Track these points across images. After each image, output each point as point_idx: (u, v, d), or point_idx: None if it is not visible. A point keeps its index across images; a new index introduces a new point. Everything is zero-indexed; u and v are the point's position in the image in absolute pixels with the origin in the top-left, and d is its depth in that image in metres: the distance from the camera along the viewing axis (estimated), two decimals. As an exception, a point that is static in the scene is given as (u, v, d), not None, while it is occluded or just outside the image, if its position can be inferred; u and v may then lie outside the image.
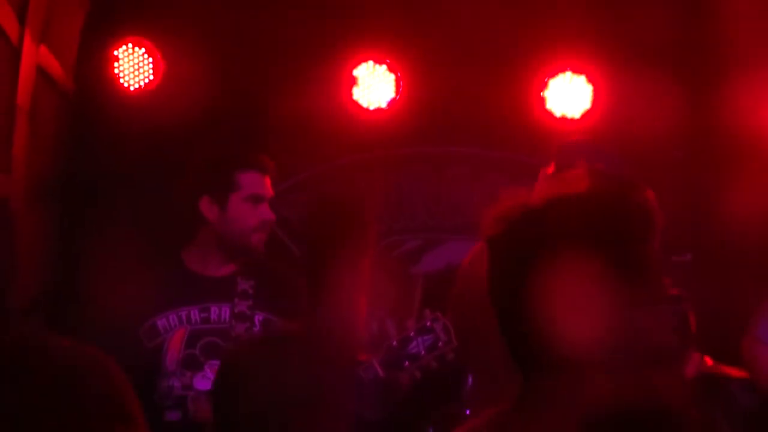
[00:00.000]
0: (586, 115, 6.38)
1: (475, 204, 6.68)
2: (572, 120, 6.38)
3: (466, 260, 4.86)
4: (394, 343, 4.27)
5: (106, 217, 6.17)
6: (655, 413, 2.07)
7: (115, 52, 6.17)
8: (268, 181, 4.55)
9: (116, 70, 6.18)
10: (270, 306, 4.53)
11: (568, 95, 6.38)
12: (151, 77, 6.21)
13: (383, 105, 6.38)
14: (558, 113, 6.38)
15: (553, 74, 6.38)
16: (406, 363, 4.29)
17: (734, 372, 4.97)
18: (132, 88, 6.20)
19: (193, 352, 4.36)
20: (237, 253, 4.51)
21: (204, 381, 4.30)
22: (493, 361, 4.49)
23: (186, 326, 4.47)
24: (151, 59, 6.21)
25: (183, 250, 4.59)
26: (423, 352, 4.26)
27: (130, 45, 6.18)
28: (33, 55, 4.67)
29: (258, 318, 4.47)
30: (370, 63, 6.36)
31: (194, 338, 4.40)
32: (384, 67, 6.37)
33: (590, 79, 6.37)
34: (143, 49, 6.20)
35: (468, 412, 4.65)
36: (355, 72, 6.34)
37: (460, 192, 6.71)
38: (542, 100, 6.38)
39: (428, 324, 4.28)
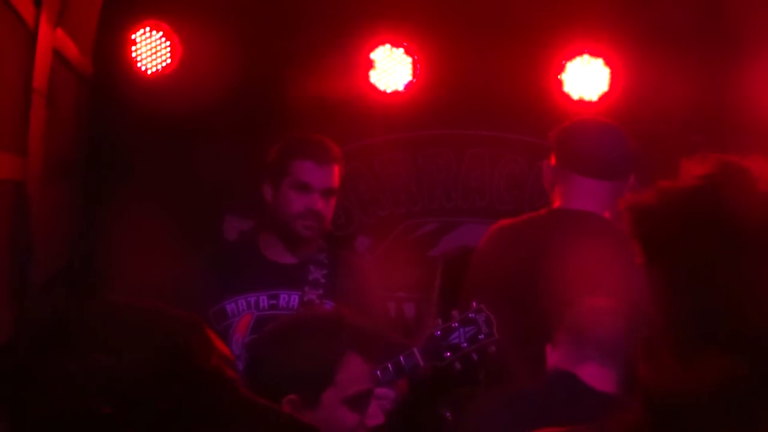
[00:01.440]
0: (604, 97, 6.36)
1: (493, 187, 6.69)
2: (590, 102, 6.36)
3: (481, 242, 4.87)
4: (438, 332, 4.29)
5: (126, 198, 6.19)
6: None
7: (133, 36, 6.18)
8: (325, 170, 4.55)
9: (134, 54, 6.19)
10: (340, 296, 4.56)
11: (586, 78, 6.37)
12: (169, 61, 6.22)
13: (400, 88, 6.38)
14: (575, 96, 6.37)
15: (571, 57, 6.37)
16: (447, 353, 4.31)
17: None
18: (149, 72, 6.22)
19: None
20: (287, 238, 4.54)
21: None
22: (512, 340, 4.53)
23: (253, 312, 4.51)
24: (168, 43, 6.22)
25: (260, 236, 4.63)
26: (464, 344, 4.29)
27: (147, 28, 6.19)
28: (49, 38, 4.68)
29: (327, 307, 4.49)
30: (387, 46, 6.35)
31: (260, 324, 4.43)
32: (401, 50, 6.36)
33: (608, 62, 6.36)
34: (161, 33, 6.21)
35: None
36: (372, 55, 6.34)
37: (478, 175, 6.71)
38: (560, 83, 6.37)
39: (471, 315, 4.30)
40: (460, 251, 6.44)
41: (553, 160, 4.86)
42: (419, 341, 4.33)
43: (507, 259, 4.69)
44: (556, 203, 4.77)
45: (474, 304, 4.37)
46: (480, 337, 4.31)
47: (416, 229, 6.69)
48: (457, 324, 4.32)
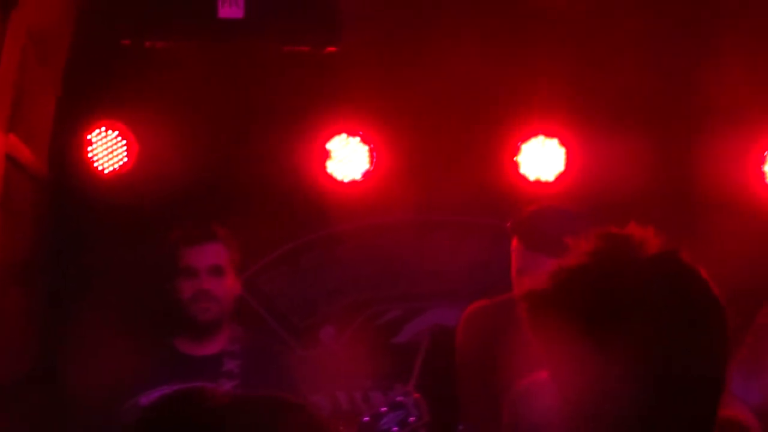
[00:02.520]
0: (560, 177, 6.39)
1: (455, 270, 6.68)
2: (546, 183, 6.39)
3: (459, 324, 4.85)
4: (366, 419, 4.27)
5: (86, 299, 6.16)
6: None
7: (89, 136, 6.18)
8: (205, 251, 4.55)
9: (90, 154, 6.19)
10: (256, 386, 4.52)
11: (542, 159, 6.40)
12: (126, 159, 6.22)
13: (358, 177, 6.38)
14: (532, 177, 6.40)
15: (526, 138, 6.39)
16: None
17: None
18: (106, 171, 6.21)
19: None
20: (191, 328, 4.52)
21: None
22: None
23: None
24: (125, 141, 6.23)
25: (174, 331, 4.62)
26: (395, 428, 4.25)
27: (103, 128, 6.20)
28: (1, 144, 4.68)
29: None
30: (343, 135, 6.37)
31: None
32: (357, 138, 6.38)
33: (563, 142, 6.39)
34: (116, 132, 6.21)
35: None
36: (328, 145, 6.35)
37: (440, 259, 6.70)
38: (516, 165, 6.40)
39: (399, 399, 4.28)
40: (424, 336, 6.44)
41: (519, 245, 4.82)
42: (351, 430, 4.31)
43: (473, 343, 4.68)
44: (526, 284, 4.75)
45: (400, 387, 4.36)
46: (410, 419, 4.29)
47: (380, 316, 6.68)
48: (386, 408, 4.30)
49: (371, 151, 6.37)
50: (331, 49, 5.85)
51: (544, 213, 4.74)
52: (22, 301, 5.54)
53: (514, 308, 4.59)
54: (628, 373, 2.03)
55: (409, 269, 6.72)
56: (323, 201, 6.40)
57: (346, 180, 6.37)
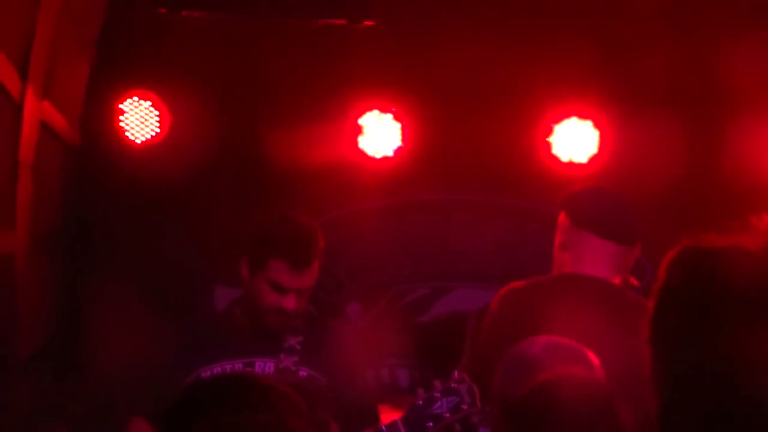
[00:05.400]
0: (593, 159, 6.36)
1: (482, 251, 6.67)
2: (579, 165, 6.36)
3: (491, 305, 4.82)
4: (420, 402, 4.24)
5: (115, 270, 6.17)
6: None
7: (121, 106, 6.18)
8: (303, 274, 4.44)
9: (122, 124, 6.18)
10: (316, 363, 4.50)
11: (575, 140, 6.37)
12: (158, 130, 6.21)
13: (389, 153, 6.38)
14: (564, 158, 6.37)
15: (559, 120, 6.37)
16: (430, 423, 4.26)
17: None
18: (138, 141, 6.20)
19: None
20: (255, 323, 4.47)
21: None
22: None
23: None
24: (157, 112, 6.22)
25: (237, 304, 4.58)
26: (447, 414, 4.23)
27: (135, 98, 6.19)
28: (36, 111, 4.67)
29: (302, 374, 4.43)
30: (376, 112, 6.36)
31: None
32: (389, 115, 6.37)
33: (596, 124, 6.36)
34: (149, 102, 6.20)
35: None
36: (361, 121, 6.35)
37: (467, 239, 6.69)
38: (548, 146, 6.37)
39: (453, 385, 4.25)
40: (449, 316, 6.43)
41: (566, 220, 4.78)
42: (402, 412, 4.29)
43: (510, 324, 4.63)
44: (567, 267, 4.71)
45: (456, 373, 4.33)
46: (463, 407, 4.26)
47: (406, 294, 6.66)
48: (439, 394, 4.27)
49: (403, 128, 6.36)
50: (369, 23, 5.81)
51: (595, 192, 4.70)
52: (48, 269, 5.54)
53: (548, 289, 4.59)
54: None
55: (436, 248, 6.70)
56: (354, 176, 6.39)
57: (377, 156, 6.36)
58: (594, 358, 3.51)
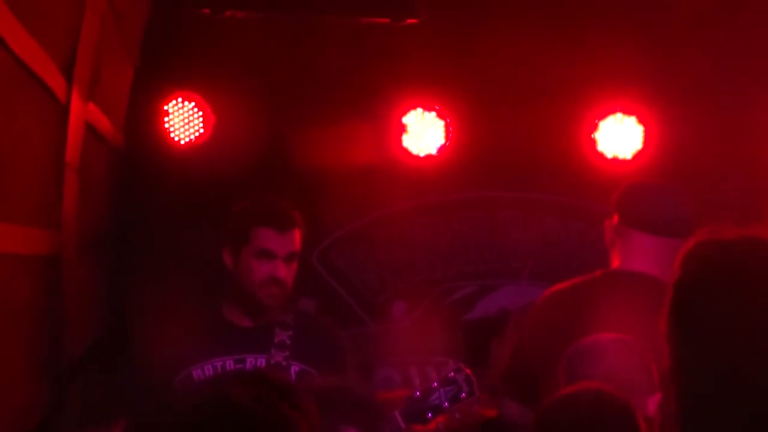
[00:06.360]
0: (638, 155, 6.33)
1: (528, 248, 6.65)
2: (624, 161, 6.33)
3: (536, 304, 4.81)
4: (417, 393, 4.26)
5: (157, 270, 6.19)
6: None
7: (165, 107, 6.21)
8: (287, 237, 4.49)
9: (167, 125, 6.22)
10: (307, 357, 4.51)
11: (619, 136, 6.34)
12: (202, 131, 6.24)
13: (433, 152, 6.38)
14: (609, 155, 6.34)
15: (604, 116, 6.35)
16: (429, 414, 4.27)
17: None
18: (183, 142, 6.23)
19: None
20: (249, 305, 4.49)
21: None
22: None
23: None
24: (201, 113, 6.24)
25: (223, 301, 4.59)
26: (446, 404, 4.25)
27: (179, 99, 6.22)
28: (81, 112, 4.69)
29: (294, 369, 4.45)
30: (419, 110, 6.36)
31: None
32: (433, 113, 6.36)
33: (641, 120, 6.33)
34: (193, 103, 6.23)
35: None
36: (404, 119, 6.35)
37: (513, 236, 6.67)
38: (593, 142, 6.35)
39: (451, 375, 4.26)
40: (497, 314, 6.41)
41: (615, 219, 4.78)
42: (401, 405, 4.29)
43: (554, 323, 4.62)
44: (615, 263, 4.70)
45: (452, 363, 4.34)
46: (461, 396, 4.28)
47: (452, 292, 6.65)
48: (437, 384, 4.29)
49: (447, 125, 6.36)
50: (412, 21, 5.82)
51: (648, 189, 4.68)
52: (94, 270, 5.57)
53: (593, 290, 4.56)
54: None
55: (481, 246, 6.69)
56: (398, 174, 6.39)
57: (421, 154, 6.36)
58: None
